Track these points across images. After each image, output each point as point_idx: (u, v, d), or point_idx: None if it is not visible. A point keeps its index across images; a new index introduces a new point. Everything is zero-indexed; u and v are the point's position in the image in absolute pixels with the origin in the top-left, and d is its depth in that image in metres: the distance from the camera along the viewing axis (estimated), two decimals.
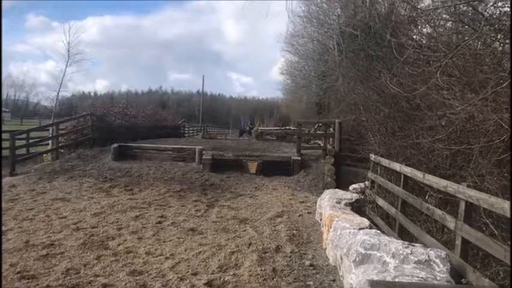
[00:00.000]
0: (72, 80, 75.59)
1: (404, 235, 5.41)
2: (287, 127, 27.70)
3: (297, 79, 34.21)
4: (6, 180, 10.33)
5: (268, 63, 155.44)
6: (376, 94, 8.84)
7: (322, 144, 13.83)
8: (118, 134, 15.28)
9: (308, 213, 7.78)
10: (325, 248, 5.53)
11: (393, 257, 3.93)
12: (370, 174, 7.91)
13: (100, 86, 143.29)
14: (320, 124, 16.97)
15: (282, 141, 20.12)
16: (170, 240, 5.79)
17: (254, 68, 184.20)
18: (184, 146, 13.48)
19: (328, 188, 9.08)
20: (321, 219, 6.85)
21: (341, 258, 4.66)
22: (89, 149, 13.89)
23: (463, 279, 3.80)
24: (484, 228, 4.01)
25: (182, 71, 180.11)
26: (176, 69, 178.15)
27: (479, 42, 4.93)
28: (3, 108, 64.32)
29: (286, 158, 12.12)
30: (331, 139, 13.11)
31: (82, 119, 15.46)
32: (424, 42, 6.62)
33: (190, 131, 34.64)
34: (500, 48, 4.69)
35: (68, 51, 25.84)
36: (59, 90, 26.67)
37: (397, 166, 6.19)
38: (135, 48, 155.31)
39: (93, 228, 6.30)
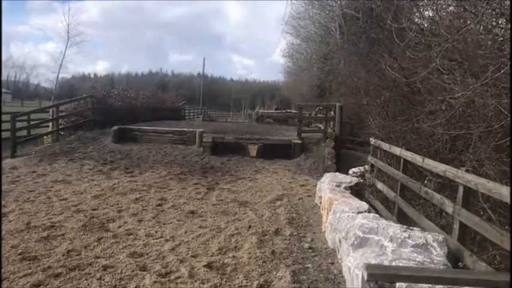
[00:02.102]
0: (72, 62, 75.47)
1: (403, 219, 5.44)
2: (288, 110, 27.65)
3: (298, 62, 34.01)
4: (7, 161, 10.38)
5: (270, 46, 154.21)
6: (377, 78, 8.80)
7: (322, 128, 13.83)
8: (118, 116, 15.29)
9: (308, 196, 7.82)
10: (324, 231, 5.57)
11: (391, 240, 3.96)
12: (370, 158, 7.92)
13: (100, 67, 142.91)
14: (321, 107, 16.91)
15: (283, 125, 20.10)
16: (170, 223, 5.84)
17: (256, 50, 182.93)
18: (184, 129, 13.48)
19: (328, 172, 9.10)
20: (320, 203, 6.89)
21: (339, 241, 4.70)
22: (89, 131, 13.91)
23: (460, 263, 3.84)
24: (481, 213, 4.03)
25: (183, 53, 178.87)
26: (177, 50, 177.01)
27: (481, 27, 4.88)
28: (3, 90, 64.17)
29: (287, 141, 12.14)
30: (331, 122, 13.10)
31: (82, 101, 15.44)
32: (425, 26, 6.56)
33: (191, 114, 34.59)
34: (501, 33, 4.65)
35: (68, 32, 25.76)
36: (58, 72, 26.68)
37: (397, 150, 6.19)
38: (136, 30, 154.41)
39: (93, 210, 6.34)
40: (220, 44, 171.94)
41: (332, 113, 13.34)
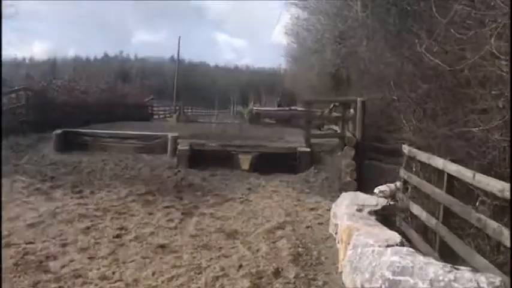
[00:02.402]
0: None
1: (447, 255, 5.45)
2: (292, 107, 27.68)
3: (305, 42, 34.07)
4: None
5: (268, 21, 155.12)
6: (412, 65, 8.82)
7: (339, 131, 13.87)
8: (63, 116, 15.28)
9: (319, 224, 7.82)
10: (341, 272, 5.57)
11: (431, 284, 3.96)
12: (402, 173, 7.93)
13: (39, 49, 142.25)
14: (336, 104, 16.93)
15: (286, 127, 20.16)
16: (133, 261, 5.81)
17: (248, 27, 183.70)
18: (152, 133, 13.50)
19: (346, 191, 9.11)
20: (336, 233, 6.89)
21: (362, 286, 4.69)
22: (22, 136, 13.84)
23: None
24: None
25: (151, 31, 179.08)
26: (143, 28, 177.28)
27: None
28: None
29: (291, 149, 12.20)
30: (351, 124, 13.13)
31: (13, 95, 15.35)
32: None
33: (161, 112, 34.68)
34: None
35: None
36: None
37: (439, 162, 6.21)
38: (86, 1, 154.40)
39: (28, 244, 6.29)
40: (201, 19, 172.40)
41: (351, 111, 13.36)
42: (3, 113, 14.72)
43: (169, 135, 12.87)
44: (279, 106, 31.69)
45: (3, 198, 8.71)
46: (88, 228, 7.12)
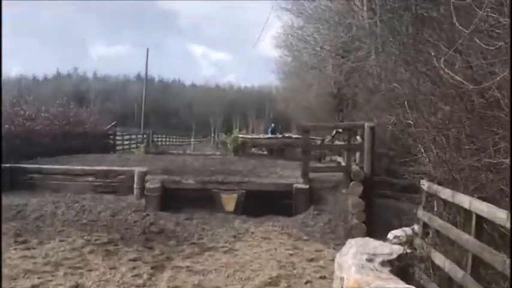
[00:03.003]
0: None
1: None
2: (286, 135, 27.81)
3: (301, 56, 34.34)
4: None
5: (256, 30, 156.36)
6: (430, 82, 8.93)
7: (343, 163, 13.90)
8: (4, 148, 15.16)
9: (321, 278, 7.80)
10: None
11: None
12: (421, 213, 7.95)
13: None
14: (340, 130, 17.06)
15: (279, 158, 20.19)
16: None
17: (232, 38, 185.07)
18: (115, 168, 13.46)
19: (353, 236, 9.11)
20: None
21: None
22: None
23: None
24: None
25: (113, 43, 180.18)
26: (103, 39, 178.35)
27: None
28: None
29: (285, 186, 12.21)
30: (357, 155, 13.18)
31: None
32: None
33: (126, 142, 34.52)
34: None
35: None
36: None
37: (465, 200, 6.22)
38: (34, 7, 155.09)
39: None
40: (174, 27, 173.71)
41: (358, 138, 13.44)
42: None
43: (136, 170, 12.82)
44: (272, 133, 31.73)
45: None
46: (36, 287, 7.03)
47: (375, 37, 19.70)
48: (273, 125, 39.30)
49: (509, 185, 6.08)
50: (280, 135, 27.10)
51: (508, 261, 5.12)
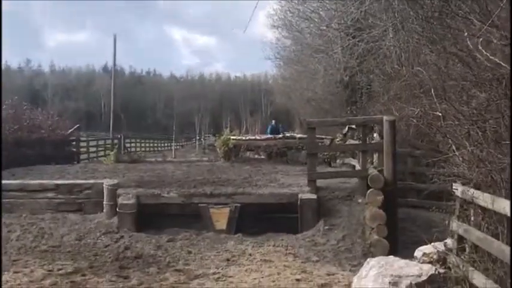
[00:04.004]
0: None
1: None
2: (287, 133, 27.79)
3: (303, 37, 34.29)
4: None
5: (247, 8, 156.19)
6: (462, 64, 8.94)
7: (358, 167, 13.88)
8: None
9: None
10: None
11: None
12: (455, 225, 7.97)
13: None
14: (353, 126, 17.07)
15: (279, 163, 20.22)
16: None
17: (218, 18, 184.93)
18: (79, 181, 13.44)
19: (373, 255, 9.14)
20: None
21: None
22: None
23: None
24: None
25: (73, 29, 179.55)
26: (61, 25, 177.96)
27: None
28: None
29: (288, 196, 12.23)
30: (375, 156, 13.19)
31: None
32: None
33: (92, 149, 34.49)
34: None
35: None
36: None
37: (508, 206, 6.23)
38: None
39: None
40: (147, 8, 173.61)
41: (375, 136, 13.47)
42: None
43: (105, 183, 12.79)
44: (273, 133, 31.31)
45: None
46: None
47: (392, 11, 19.69)
48: (273, 122, 37.77)
49: None
50: (280, 136, 26.88)
51: None
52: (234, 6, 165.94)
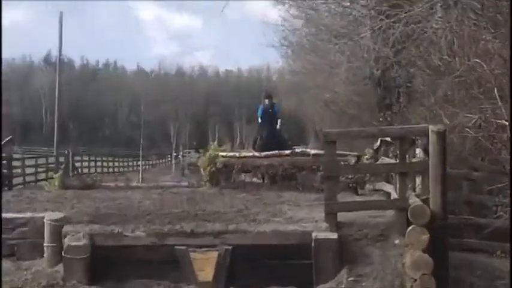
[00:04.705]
0: None
1: None
2: (297, 149, 27.70)
3: (319, 16, 34.31)
4: None
5: None
6: None
7: (394, 195, 13.84)
8: None
9: None
10: None
11: None
12: None
13: None
14: (387, 139, 17.10)
15: (285, 189, 20.18)
16: None
17: None
18: (12, 215, 13.42)
19: None
20: None
21: None
22: None
23: None
24: None
25: (4, 6, 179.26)
26: None
27: None
28: None
29: (299, 236, 12.13)
30: (418, 179, 13.18)
31: None
32: None
33: (30, 170, 34.51)
34: None
35: None
36: None
37: None
38: None
39: None
40: None
41: (419, 152, 13.47)
42: None
43: (47, 218, 12.74)
44: (267, 120, 28.95)
45: None
46: None
47: None
48: (266, 101, 27.68)
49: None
50: (287, 152, 26.26)
51: None
52: None
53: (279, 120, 27.94)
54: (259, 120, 28.28)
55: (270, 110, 27.66)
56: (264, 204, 15.98)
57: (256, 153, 27.02)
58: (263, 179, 23.15)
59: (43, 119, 76.79)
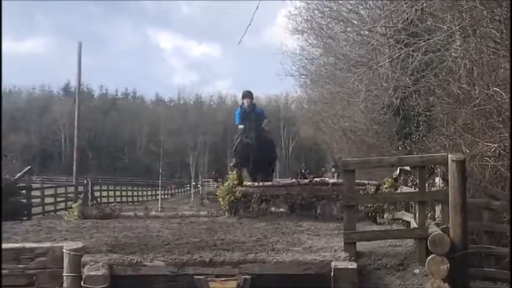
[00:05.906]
0: None
1: None
2: (315, 177, 27.59)
3: (337, 45, 34.31)
4: None
5: (261, 6, 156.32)
6: None
7: (414, 224, 13.81)
8: None
9: None
10: None
11: None
12: None
13: None
14: (406, 168, 17.05)
15: (304, 218, 20.12)
16: None
17: (222, 21, 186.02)
18: (30, 245, 13.41)
19: None
20: None
21: None
22: None
23: None
24: None
25: (23, 35, 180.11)
26: (5, 28, 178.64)
27: None
28: None
29: (318, 265, 12.10)
30: (438, 208, 13.12)
31: None
32: None
33: (49, 199, 34.48)
34: None
35: None
36: None
37: None
38: None
39: None
40: (125, 4, 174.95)
41: (437, 181, 13.43)
42: None
43: (66, 247, 12.74)
44: (247, 123, 27.44)
45: None
46: None
47: (459, 11, 19.72)
48: (245, 102, 28.75)
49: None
50: (306, 181, 25.96)
51: None
52: (241, 3, 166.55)
53: (265, 121, 26.54)
54: (239, 127, 26.32)
55: (249, 111, 25.69)
56: (283, 233, 15.94)
57: (276, 182, 26.85)
58: (282, 207, 23.09)
59: (62, 148, 77.03)
